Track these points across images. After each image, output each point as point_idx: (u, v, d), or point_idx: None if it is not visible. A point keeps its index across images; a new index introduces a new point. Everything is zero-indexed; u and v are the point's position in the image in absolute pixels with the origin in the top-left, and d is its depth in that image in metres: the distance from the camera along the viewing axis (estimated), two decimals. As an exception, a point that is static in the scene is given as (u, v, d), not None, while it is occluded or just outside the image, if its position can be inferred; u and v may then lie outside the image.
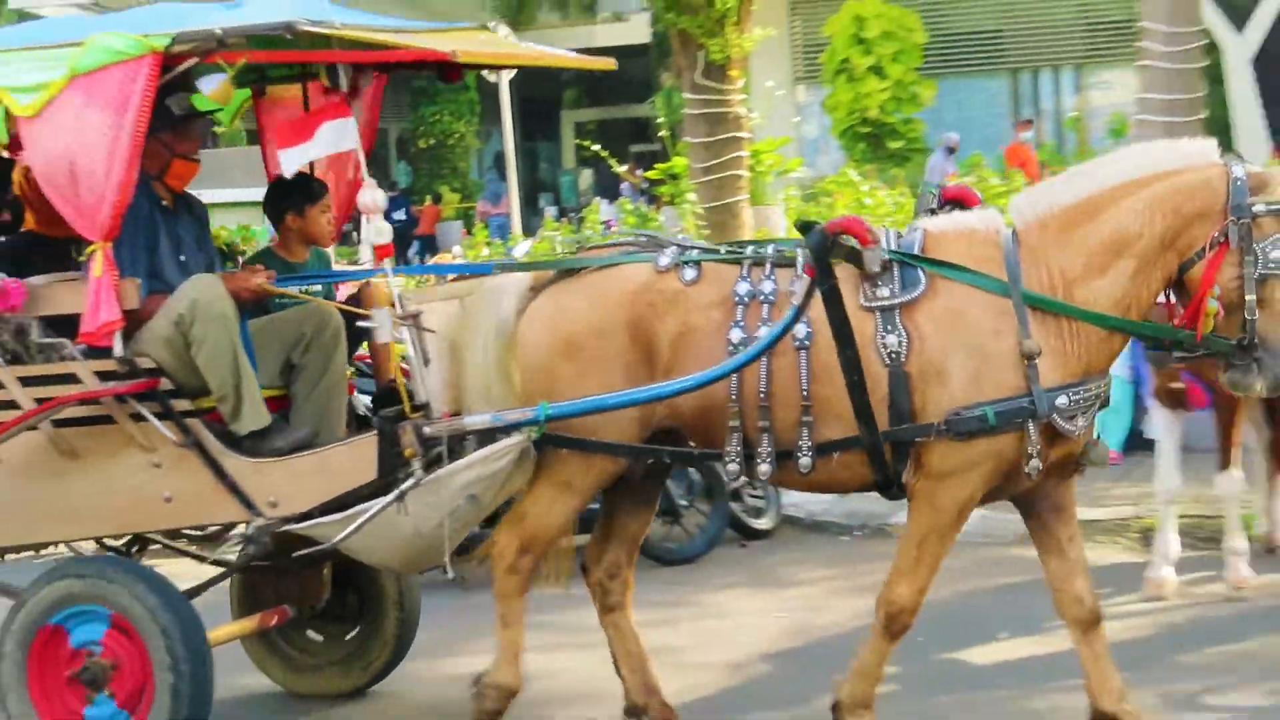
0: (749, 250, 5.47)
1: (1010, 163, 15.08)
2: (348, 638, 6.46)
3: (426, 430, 5.21)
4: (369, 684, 6.47)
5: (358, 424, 5.89)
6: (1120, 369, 8.45)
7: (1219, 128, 14.68)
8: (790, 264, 5.20)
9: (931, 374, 5.12)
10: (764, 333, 5.07)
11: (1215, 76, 15.78)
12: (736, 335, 5.17)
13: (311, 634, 6.18)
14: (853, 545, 8.53)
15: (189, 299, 5.25)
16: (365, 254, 7.14)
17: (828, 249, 5.02)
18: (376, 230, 5.38)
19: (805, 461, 5.17)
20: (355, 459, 5.29)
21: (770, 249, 5.46)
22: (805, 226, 5.24)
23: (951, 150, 16.54)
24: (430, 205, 21.47)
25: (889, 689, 5.87)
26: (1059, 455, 5.20)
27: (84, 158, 5.02)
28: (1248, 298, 5.09)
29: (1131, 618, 6.68)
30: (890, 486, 5.33)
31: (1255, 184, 5.14)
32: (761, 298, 5.19)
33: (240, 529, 5.68)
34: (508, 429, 5.19)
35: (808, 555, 8.29)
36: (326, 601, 6.38)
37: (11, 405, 5.26)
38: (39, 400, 5.28)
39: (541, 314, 5.38)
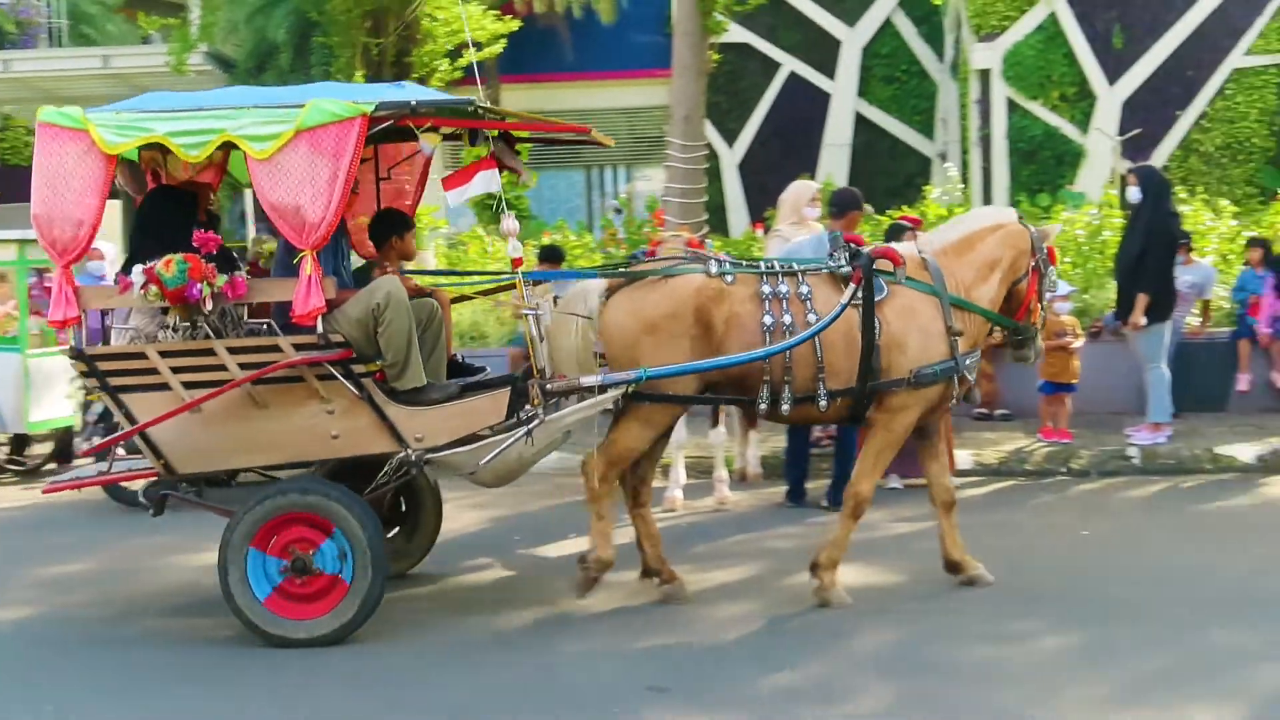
0: (762, 265, 6.91)
1: (607, 230, 17.39)
2: (392, 535, 7.60)
3: (549, 386, 6.49)
4: (410, 569, 7.63)
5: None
6: None
7: (716, 208, 19.07)
8: (792, 274, 6.78)
9: (895, 347, 6.68)
10: (787, 320, 6.60)
11: (714, 175, 19.90)
12: (768, 320, 6.64)
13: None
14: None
15: (384, 292, 6.48)
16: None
17: (870, 266, 6.66)
18: (513, 247, 6.49)
19: (823, 404, 6.72)
20: (494, 405, 6.53)
21: (776, 265, 6.90)
22: (852, 251, 6.78)
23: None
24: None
25: (512, 575, 7.65)
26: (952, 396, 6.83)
27: (309, 190, 6.10)
28: (1042, 304, 7.06)
29: (658, 522, 7.22)
30: (858, 420, 6.91)
31: (1040, 235, 7.07)
32: (779, 296, 6.70)
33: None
34: (612, 385, 6.49)
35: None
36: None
37: (220, 368, 6.28)
38: (243, 366, 6.27)
39: (624, 306, 6.70)
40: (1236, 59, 20.03)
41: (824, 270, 6.83)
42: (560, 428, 6.53)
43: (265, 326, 6.49)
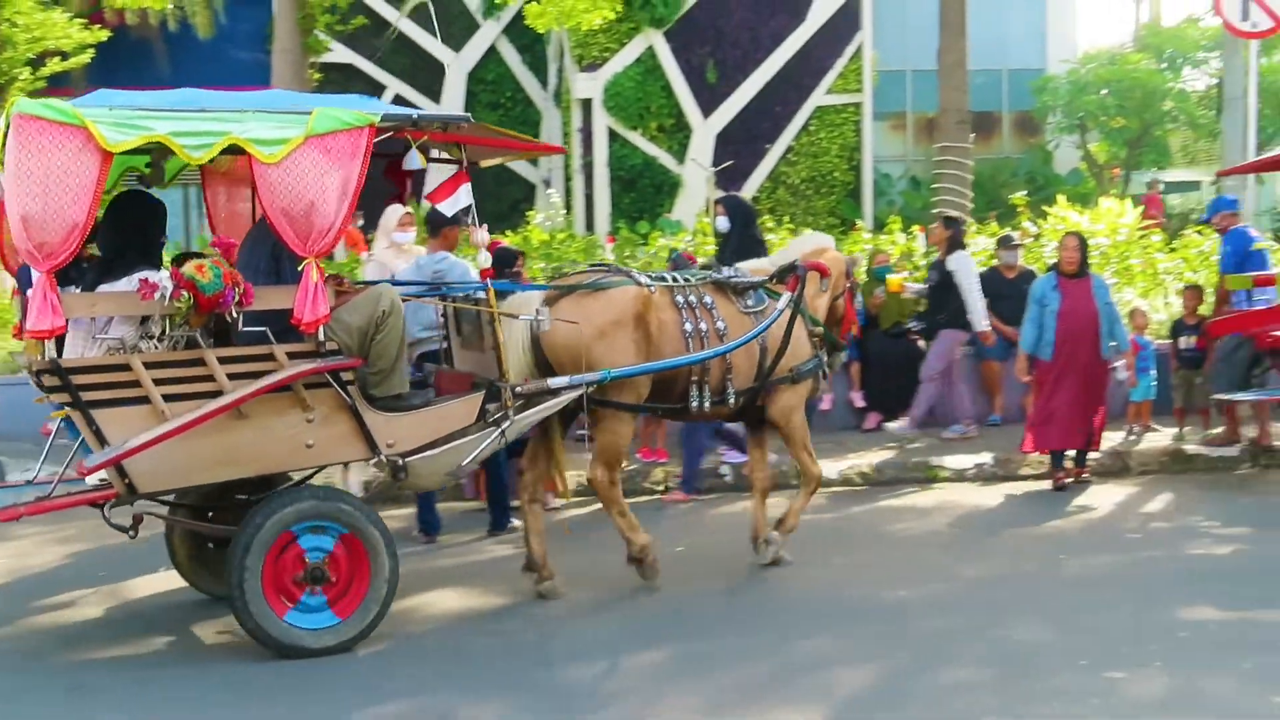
0: (669, 278, 7.53)
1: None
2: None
3: (518, 389, 6.83)
4: None
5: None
6: None
7: None
8: (691, 285, 7.51)
9: (776, 349, 7.61)
10: (704, 326, 7.34)
11: None
12: (689, 327, 7.35)
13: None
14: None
15: (389, 300, 6.58)
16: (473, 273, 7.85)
17: (805, 277, 7.71)
18: (484, 258, 6.94)
19: (732, 401, 7.56)
20: (467, 409, 6.73)
21: (680, 279, 7.56)
22: (789, 268, 7.74)
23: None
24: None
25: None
26: None
27: (319, 197, 6.01)
28: (856, 320, 8.52)
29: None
30: (744, 417, 7.89)
31: (850, 260, 8.33)
32: (691, 305, 7.42)
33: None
34: (568, 387, 6.92)
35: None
36: None
37: (207, 379, 6.01)
38: (231, 376, 6.02)
39: (573, 315, 7.07)
40: (819, 97, 21.45)
41: (709, 281, 7.67)
42: (524, 427, 6.90)
43: (261, 334, 6.20)
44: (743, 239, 9.91)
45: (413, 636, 6.75)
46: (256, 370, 6.16)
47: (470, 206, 6.85)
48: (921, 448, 11.40)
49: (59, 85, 20.30)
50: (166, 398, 5.99)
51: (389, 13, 22.36)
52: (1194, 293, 11.67)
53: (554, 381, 6.97)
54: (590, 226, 20.25)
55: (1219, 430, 11.31)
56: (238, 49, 23.08)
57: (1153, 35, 27.59)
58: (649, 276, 7.47)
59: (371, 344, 6.50)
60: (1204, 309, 11.75)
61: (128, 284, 6.09)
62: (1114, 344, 10.10)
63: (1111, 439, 11.44)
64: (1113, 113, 25.60)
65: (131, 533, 6.55)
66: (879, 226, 17.50)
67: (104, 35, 18.67)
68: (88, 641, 6.81)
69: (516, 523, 8.84)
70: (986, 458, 10.87)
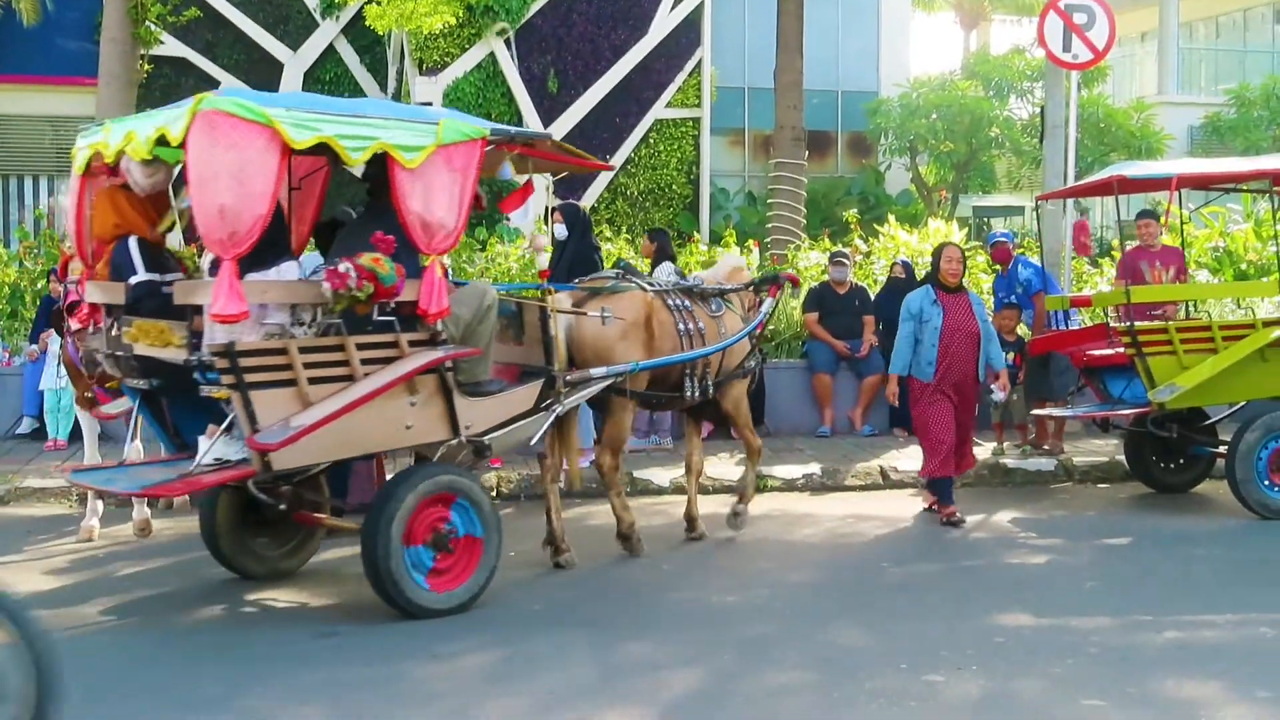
0: (660, 283, 8.65)
1: (23, 243, 15.78)
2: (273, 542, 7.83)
3: (568, 377, 7.64)
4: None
5: None
6: (66, 381, 11.14)
7: None
8: (675, 292, 8.44)
9: (736, 347, 8.67)
10: (691, 327, 8.26)
11: None
12: (682, 327, 8.25)
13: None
14: None
15: (491, 294, 7.42)
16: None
17: (783, 286, 9.12)
18: (541, 260, 8.24)
19: (710, 392, 8.52)
20: (528, 395, 7.45)
21: (663, 285, 8.59)
22: (772, 277, 9.29)
23: None
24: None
25: None
26: None
27: (443, 199, 6.72)
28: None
29: (72, 554, 8.23)
30: (701, 406, 8.79)
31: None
32: (678, 308, 8.32)
33: None
34: (611, 376, 7.82)
35: None
36: None
37: (342, 364, 6.49)
38: (364, 361, 6.52)
39: (611, 318, 7.93)
40: (659, 111, 21.55)
41: (681, 288, 8.60)
42: (563, 410, 7.67)
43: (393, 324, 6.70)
44: (579, 247, 9.97)
45: (230, 638, 6.55)
46: (384, 357, 6.65)
47: (537, 215, 7.66)
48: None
49: None
50: (309, 380, 6.37)
51: (224, 6, 21.81)
52: (1012, 312, 12.00)
53: (595, 371, 7.75)
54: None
55: (1038, 444, 11.69)
56: (65, 37, 22.27)
57: (981, 64, 28.32)
58: (646, 283, 8.44)
59: (471, 334, 7.15)
60: (1020, 329, 12.10)
61: (277, 273, 6.68)
62: (989, 364, 9.56)
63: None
64: (942, 137, 26.21)
65: (283, 505, 7.22)
66: (715, 240, 17.64)
67: (-78, 17, 17.89)
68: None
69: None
70: (815, 468, 11.02)
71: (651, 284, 8.49)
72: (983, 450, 11.77)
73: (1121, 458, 11.17)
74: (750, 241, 15.56)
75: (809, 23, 17.16)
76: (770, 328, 11.61)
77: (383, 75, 22.82)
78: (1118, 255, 12.91)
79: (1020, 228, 26.50)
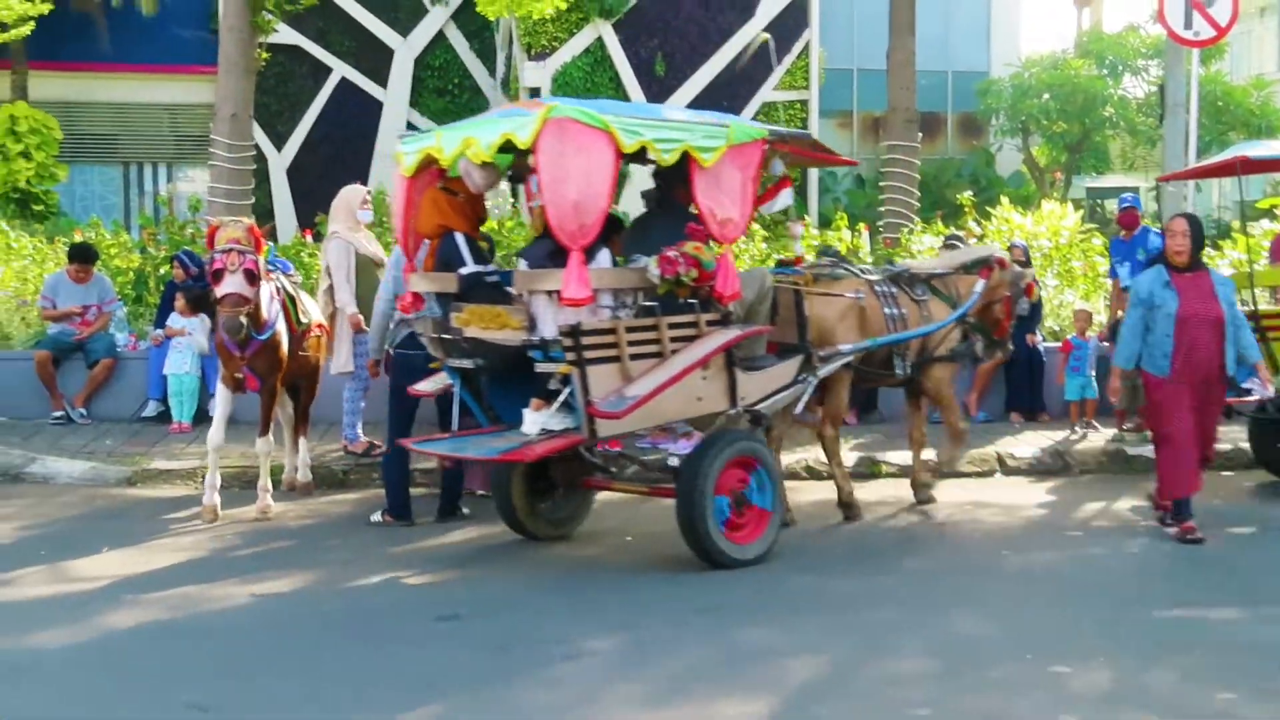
0: (871, 271, 9.26)
1: (146, 229, 16.44)
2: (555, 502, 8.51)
3: (821, 353, 8.43)
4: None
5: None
6: (190, 365, 11.70)
7: (262, 212, 18.50)
8: (881, 279, 9.02)
9: (935, 332, 9.15)
10: (896, 311, 8.83)
11: (262, 177, 19.63)
12: (888, 311, 8.85)
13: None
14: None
15: (770, 280, 8.35)
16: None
17: (993, 268, 9.42)
18: (798, 249, 9.20)
19: (911, 371, 9.12)
20: (789, 369, 8.20)
21: (877, 272, 9.27)
22: (984, 260, 9.46)
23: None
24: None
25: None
26: None
27: (732, 194, 7.53)
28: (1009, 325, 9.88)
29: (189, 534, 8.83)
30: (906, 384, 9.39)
31: (1017, 273, 9.94)
32: (885, 294, 8.90)
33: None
34: (857, 352, 8.58)
35: None
36: None
37: (654, 342, 7.27)
38: (672, 340, 7.33)
39: (822, 298, 8.61)
40: (767, 93, 21.40)
41: (888, 275, 9.14)
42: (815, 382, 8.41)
43: (695, 304, 7.48)
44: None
45: (355, 620, 6.67)
46: (687, 335, 7.41)
47: (791, 206, 8.65)
48: (866, 443, 11.41)
49: (-2, 57, 20.02)
50: (630, 357, 7.10)
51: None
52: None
53: (844, 347, 8.50)
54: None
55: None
56: (181, 26, 22.74)
57: (1094, 42, 27.80)
58: (857, 270, 9.06)
59: (754, 314, 8.04)
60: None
61: (595, 262, 7.28)
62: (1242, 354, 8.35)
63: (1053, 437, 11.56)
64: (1054, 117, 25.81)
65: (613, 468, 8.16)
66: (824, 224, 17.51)
67: (46, 8, 18.30)
68: (25, 620, 6.66)
69: (466, 510, 9.00)
70: (930, 454, 10.85)
71: (861, 270, 9.09)
72: (1102, 436, 11.57)
73: (1246, 444, 10.89)
74: (860, 225, 15.39)
75: (920, 2, 16.90)
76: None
77: (491, 61, 22.98)
78: (1239, 237, 12.62)
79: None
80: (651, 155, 7.44)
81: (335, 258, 10.10)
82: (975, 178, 25.08)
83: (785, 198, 8.46)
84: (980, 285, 9.34)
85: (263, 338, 8.68)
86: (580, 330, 6.97)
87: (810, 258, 10.47)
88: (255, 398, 8.99)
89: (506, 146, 7.15)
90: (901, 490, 9.96)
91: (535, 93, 20.20)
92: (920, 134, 17.83)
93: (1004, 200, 16.17)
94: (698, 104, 20.89)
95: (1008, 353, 10.12)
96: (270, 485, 9.16)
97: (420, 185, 7.99)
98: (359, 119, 22.60)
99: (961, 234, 13.61)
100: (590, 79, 20.55)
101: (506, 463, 7.61)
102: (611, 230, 7.71)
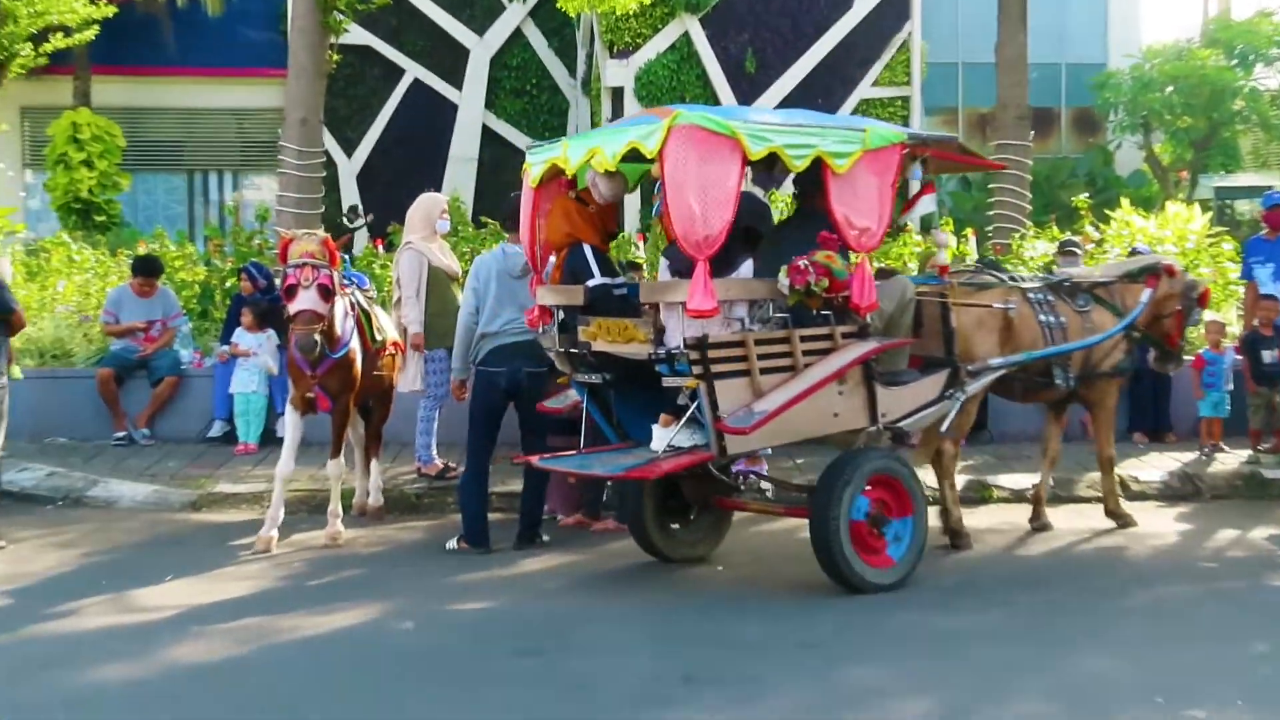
0: (1027, 278, 9.26)
1: (212, 240, 15.73)
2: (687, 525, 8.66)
3: (969, 368, 8.43)
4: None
5: None
6: (257, 384, 11.82)
7: (333, 221, 18.12)
8: (1037, 287, 9.00)
9: (1111, 344, 9.23)
10: (1052, 319, 8.83)
11: (331, 184, 19.45)
12: (1043, 319, 8.86)
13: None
14: (56, 513, 10.09)
15: (911, 289, 8.29)
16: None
17: (1160, 276, 9.38)
18: (943, 257, 8.79)
19: (1071, 385, 9.06)
20: (935, 385, 8.24)
21: (1033, 280, 9.25)
22: (1150, 268, 9.44)
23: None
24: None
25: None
26: None
27: (868, 201, 7.58)
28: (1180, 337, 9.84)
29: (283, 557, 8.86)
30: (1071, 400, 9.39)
31: (1189, 283, 9.69)
32: (1040, 302, 8.90)
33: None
34: (1007, 366, 8.63)
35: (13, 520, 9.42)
36: None
37: (785, 355, 7.35)
38: (805, 354, 7.40)
39: (969, 308, 8.60)
40: (865, 90, 21.23)
41: (1047, 283, 9.12)
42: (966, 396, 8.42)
43: (829, 316, 7.53)
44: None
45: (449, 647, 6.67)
46: (821, 348, 7.46)
47: (934, 212, 8.55)
48: (976, 464, 11.26)
49: (61, 63, 20.47)
50: (760, 371, 7.17)
51: (411, -8, 22.30)
52: (1272, 303, 11.49)
53: (994, 361, 8.50)
54: (620, 222, 20.13)
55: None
56: (248, 28, 23.08)
57: (1222, 29, 27.33)
58: (1009, 277, 9.09)
59: (894, 326, 7.97)
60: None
61: (736, 272, 7.45)
62: None
63: (1181, 459, 11.32)
64: (1178, 111, 25.40)
65: (744, 485, 8.47)
66: (924, 228, 17.34)
67: (110, 11, 18.67)
68: (88, 652, 6.72)
69: (545, 538, 8.98)
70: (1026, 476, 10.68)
71: (1015, 278, 9.10)
72: (1234, 458, 11.31)
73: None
74: (968, 229, 15.20)
75: (1031, -10, 16.66)
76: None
77: (572, 59, 23.07)
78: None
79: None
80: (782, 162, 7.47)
81: (407, 270, 10.17)
82: (1092, 178, 24.72)
83: (927, 204, 8.64)
84: (1146, 295, 9.31)
85: (336, 356, 8.73)
86: (707, 342, 7.07)
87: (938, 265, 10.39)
88: (326, 418, 9.03)
89: (637, 155, 7.30)
90: (1014, 515, 9.79)
91: (618, 93, 20.22)
92: (1032, 131, 17.59)
93: (1124, 202, 15.92)
94: (790, 102, 20.78)
95: (1180, 365, 10.12)
96: (340, 510, 9.20)
97: (549, 195, 8.26)
98: (432, 122, 22.76)
99: (1078, 239, 13.42)
100: (676, 77, 20.51)
101: (633, 480, 7.73)
102: (758, 240, 7.80)
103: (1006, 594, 7.81)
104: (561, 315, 8.14)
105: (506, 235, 9.33)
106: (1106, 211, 15.69)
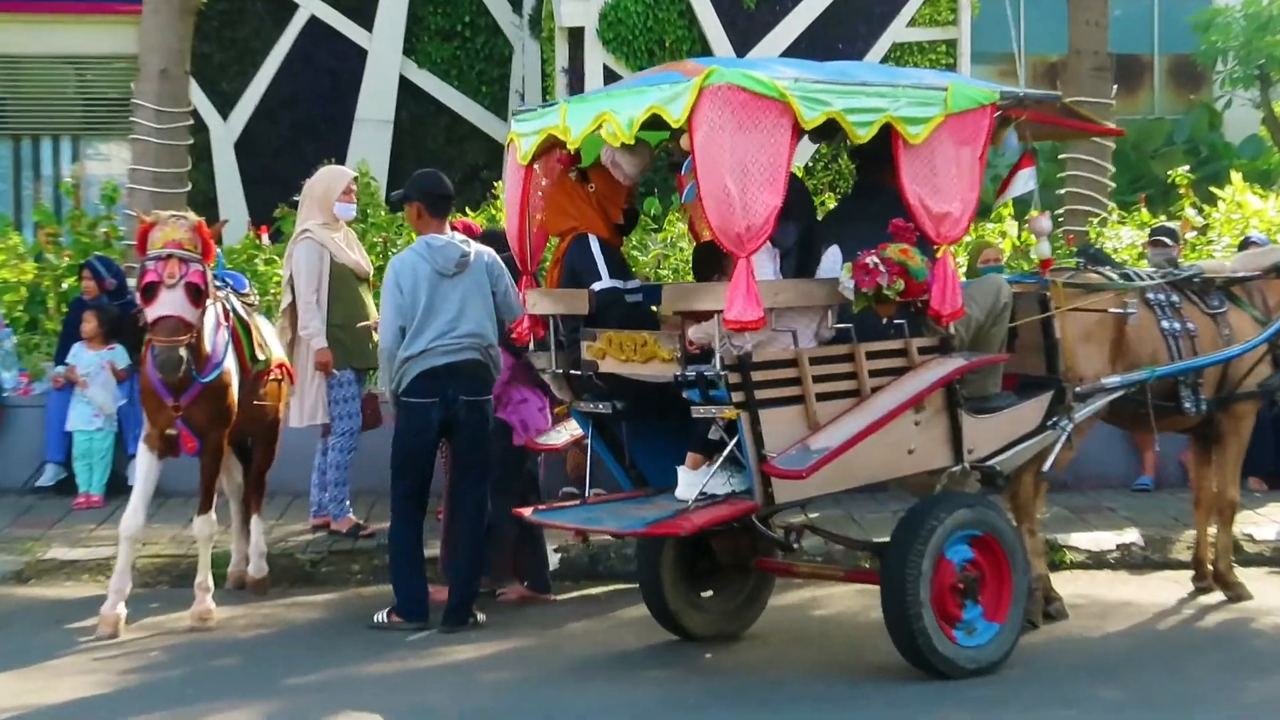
0: (1146, 276, 9.19)
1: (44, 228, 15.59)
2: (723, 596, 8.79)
3: (1078, 389, 8.45)
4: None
5: None
6: (102, 418, 11.73)
7: (203, 201, 18.47)
8: (1157, 285, 9.06)
9: (1249, 357, 9.30)
10: (1179, 326, 8.92)
11: (202, 154, 19.37)
12: (1165, 325, 8.98)
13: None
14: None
15: (1008, 292, 8.25)
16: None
17: None
18: (1044, 249, 8.86)
19: (1200, 409, 9.11)
20: (1035, 411, 8.27)
21: (1150, 278, 9.20)
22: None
23: None
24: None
25: None
26: None
27: (951, 178, 7.62)
28: None
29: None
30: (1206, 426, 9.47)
31: None
32: (1162, 304, 8.97)
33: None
34: (1126, 386, 8.64)
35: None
36: None
37: (852, 376, 7.44)
38: (871, 374, 7.46)
39: (1078, 315, 8.66)
40: (898, 32, 21.20)
41: (1168, 280, 9.14)
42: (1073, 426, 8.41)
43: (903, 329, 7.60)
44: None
45: None
46: (891, 367, 7.52)
47: (1035, 190, 8.66)
48: (1044, 520, 11.21)
49: None
50: (817, 397, 7.24)
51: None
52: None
53: (1109, 381, 8.54)
54: (636, 209, 20.08)
55: None
56: (91, -48, 22.99)
57: (1362, -46, 27.56)
58: (1120, 273, 9.16)
59: (984, 338, 7.99)
60: None
61: (833, 264, 7.64)
62: None
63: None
64: (1307, 60, 25.58)
65: (795, 542, 8.39)
66: (982, 211, 17.42)
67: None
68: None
69: (480, 617, 8.96)
70: (1134, 535, 10.76)
71: (1128, 274, 9.19)
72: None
73: None
74: (1032, 210, 15.23)
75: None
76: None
77: (518, -9, 23.00)
78: None
79: None
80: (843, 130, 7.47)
81: (304, 266, 10.20)
82: (1194, 145, 24.80)
83: (1026, 180, 8.60)
84: None
85: (205, 380, 8.60)
86: (750, 362, 7.05)
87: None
88: (192, 462, 8.95)
89: (654, 121, 7.27)
90: (1095, 587, 9.83)
91: (576, 35, 20.20)
92: (1115, 86, 17.69)
93: (1235, 177, 15.97)
94: (800, 49, 20.82)
95: None
96: (210, 582, 9.09)
97: (546, 173, 8.30)
98: (334, 74, 22.63)
99: (1175, 225, 13.47)
100: (652, 14, 20.39)
101: (655, 537, 7.80)
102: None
103: (1082, 689, 7.81)
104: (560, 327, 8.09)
105: (428, 222, 8.96)
106: (1212, 189, 15.76)
